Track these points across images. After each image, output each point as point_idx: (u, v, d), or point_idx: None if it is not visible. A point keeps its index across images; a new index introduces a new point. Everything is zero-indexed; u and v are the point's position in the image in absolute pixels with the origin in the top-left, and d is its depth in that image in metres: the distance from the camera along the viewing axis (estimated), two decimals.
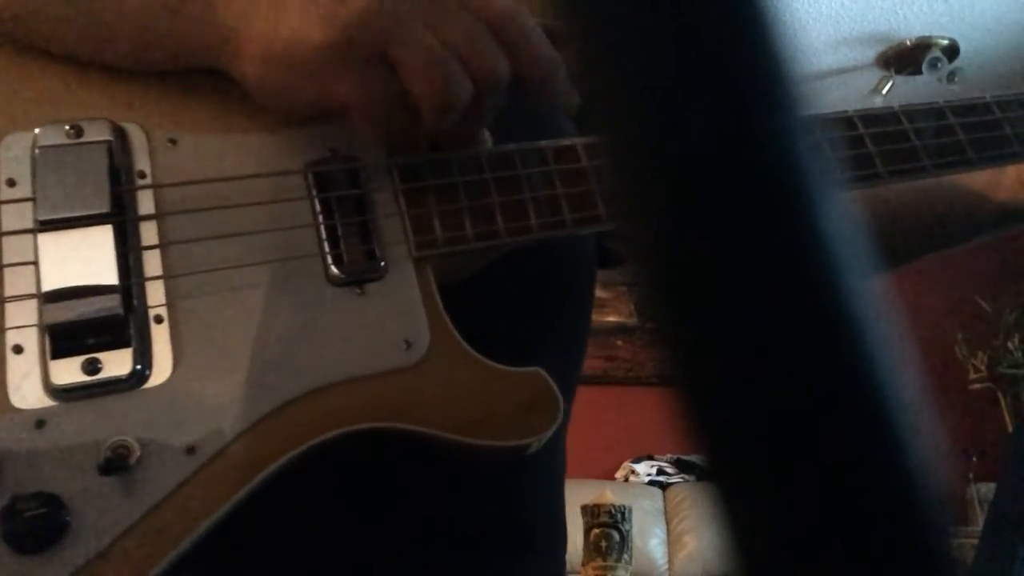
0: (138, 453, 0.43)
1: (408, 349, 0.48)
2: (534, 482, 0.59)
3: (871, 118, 0.60)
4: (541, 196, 0.53)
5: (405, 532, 0.52)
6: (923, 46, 3.32)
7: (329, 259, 0.49)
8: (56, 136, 0.48)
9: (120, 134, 0.49)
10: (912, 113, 0.61)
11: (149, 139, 0.50)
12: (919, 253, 0.76)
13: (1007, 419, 3.68)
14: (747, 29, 0.17)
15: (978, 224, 0.73)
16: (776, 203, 0.17)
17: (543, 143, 0.55)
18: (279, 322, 0.47)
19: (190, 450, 0.44)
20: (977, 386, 3.77)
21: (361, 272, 0.49)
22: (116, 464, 0.42)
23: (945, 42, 3.31)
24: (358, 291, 0.49)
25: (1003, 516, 2.14)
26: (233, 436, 0.45)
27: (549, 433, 0.48)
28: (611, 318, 4.13)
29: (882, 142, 0.59)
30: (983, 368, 3.77)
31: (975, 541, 2.22)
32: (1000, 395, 3.74)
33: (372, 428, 0.46)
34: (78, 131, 0.48)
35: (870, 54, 3.42)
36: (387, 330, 0.48)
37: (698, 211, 0.17)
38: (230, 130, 0.51)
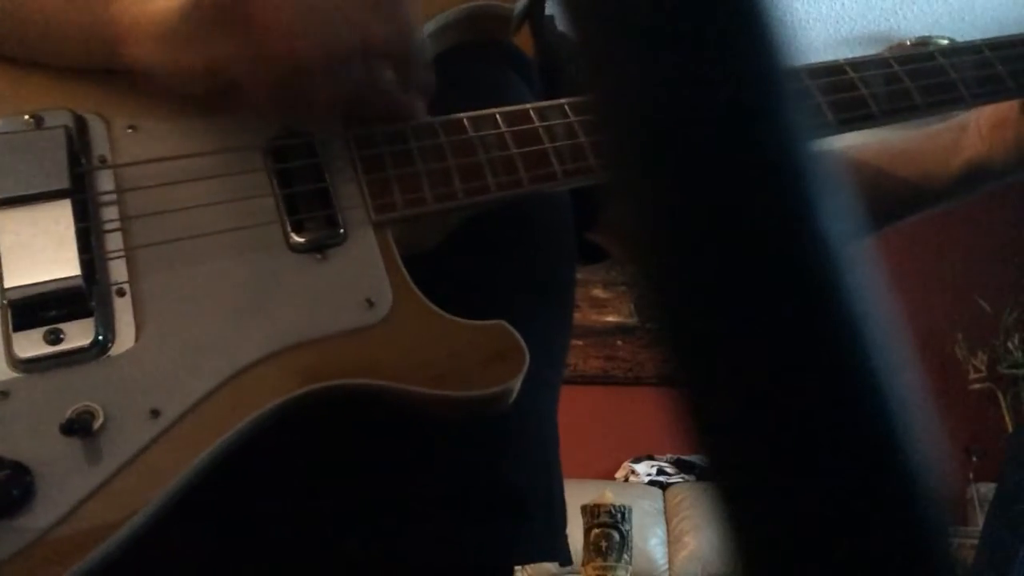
0: (102, 418, 0.44)
1: (370, 308, 0.49)
2: (525, 451, 0.59)
3: (817, 70, 0.61)
4: (496, 157, 0.53)
5: (390, 502, 0.52)
6: (923, 46, 3.32)
7: (288, 226, 0.49)
8: (17, 125, 0.49)
9: (80, 123, 0.50)
10: (858, 64, 0.62)
11: (109, 127, 0.51)
12: (891, 219, 0.76)
13: (1007, 419, 3.68)
14: (748, 31, 0.17)
15: (946, 185, 0.73)
16: (777, 205, 0.17)
17: (494, 109, 0.55)
18: (242, 289, 0.48)
19: (154, 413, 0.44)
20: (977, 386, 3.76)
21: (321, 238, 0.50)
22: (79, 426, 0.43)
23: (945, 42, 3.31)
24: (319, 256, 0.49)
25: (1003, 516, 2.13)
26: (198, 398, 0.45)
27: (517, 382, 0.48)
28: (611, 318, 4.12)
29: (829, 92, 0.60)
30: (983, 368, 3.76)
31: (975, 541, 2.22)
32: (1000, 395, 3.74)
33: (336, 385, 0.46)
34: (39, 120, 0.49)
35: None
36: (349, 291, 0.49)
37: (698, 210, 0.17)
38: (188, 115, 0.52)
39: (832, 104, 0.60)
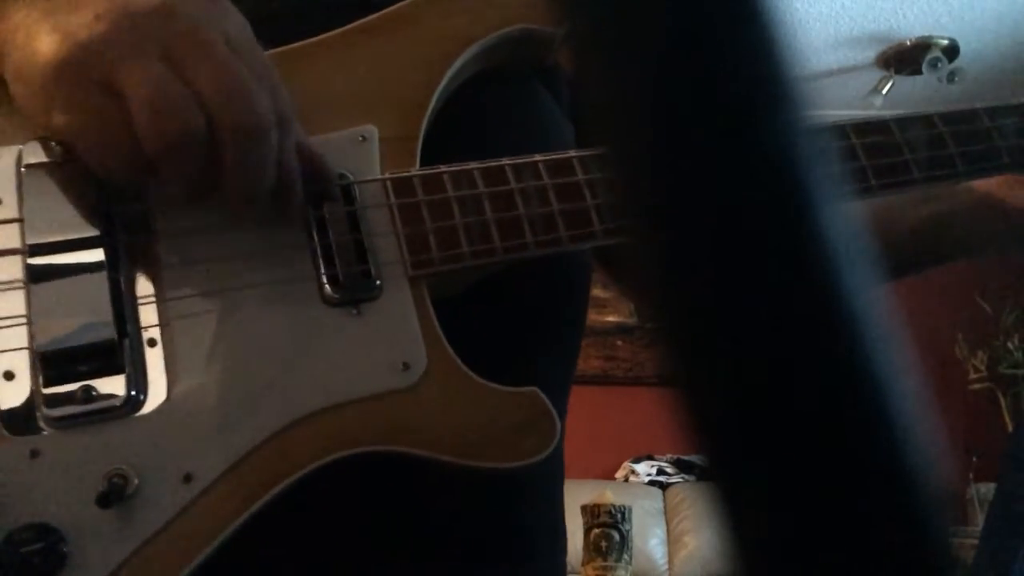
0: (135, 482, 0.43)
1: (405, 371, 0.48)
2: (534, 490, 0.59)
3: (863, 128, 0.60)
4: (536, 213, 0.52)
5: (404, 548, 0.52)
6: (923, 46, 3.32)
7: (324, 279, 0.48)
8: (42, 153, 0.46)
9: None
10: (904, 122, 0.61)
11: None
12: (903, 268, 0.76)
13: (1007, 419, 3.68)
14: (748, 30, 0.17)
15: (939, 256, 0.73)
16: (777, 204, 0.17)
17: (537, 157, 0.54)
18: (274, 344, 0.47)
19: (187, 478, 0.43)
20: (977, 386, 3.76)
21: (356, 292, 0.48)
22: (114, 495, 0.42)
23: (945, 42, 3.31)
24: (354, 311, 0.48)
25: (1003, 516, 2.13)
26: (231, 463, 0.44)
27: (546, 453, 0.47)
28: (611, 318, 4.12)
29: (874, 154, 0.59)
30: (983, 368, 3.76)
31: (975, 541, 2.22)
32: (1000, 395, 3.74)
33: (370, 451, 0.46)
34: (65, 148, 0.46)
35: (870, 54, 3.42)
36: (384, 351, 0.48)
37: (700, 213, 0.17)
38: None
39: (875, 168, 0.59)
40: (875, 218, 0.71)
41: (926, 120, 0.61)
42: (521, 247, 0.51)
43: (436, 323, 0.49)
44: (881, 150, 0.59)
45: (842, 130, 0.59)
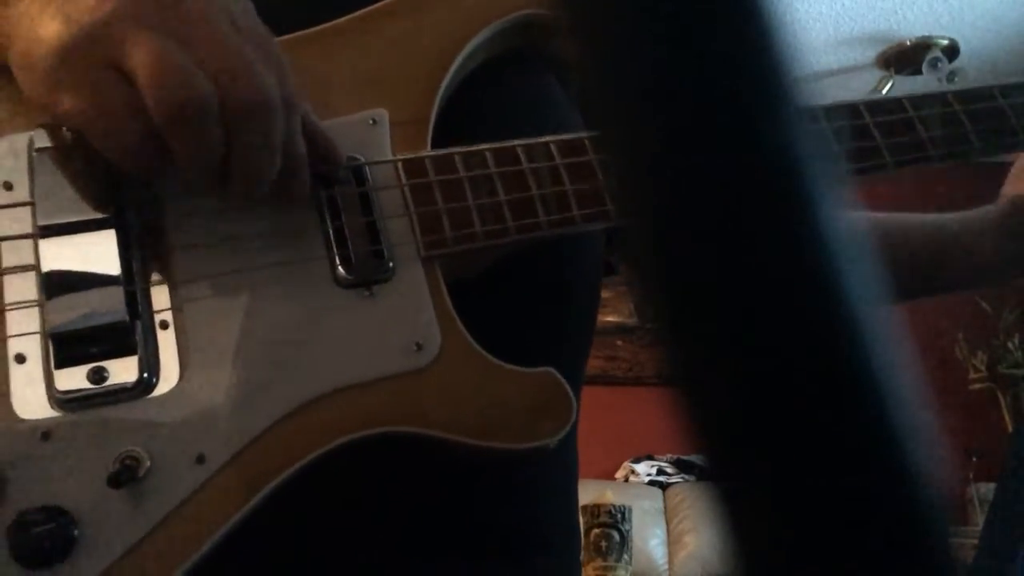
0: (147, 464, 0.42)
1: (419, 351, 0.47)
2: (549, 481, 0.59)
3: (876, 107, 0.60)
4: (549, 193, 0.52)
5: (418, 537, 0.52)
6: (923, 46, 3.31)
7: (336, 260, 0.48)
8: (52, 139, 0.46)
9: None
10: (917, 101, 0.61)
11: None
12: (915, 295, 0.76)
13: (1007, 419, 3.68)
14: (747, 28, 0.17)
15: (962, 279, 0.74)
16: (778, 203, 0.17)
17: (548, 137, 0.54)
18: (287, 325, 0.47)
19: (200, 459, 0.43)
20: (977, 386, 3.76)
21: (369, 273, 0.48)
22: (125, 476, 0.41)
23: (945, 42, 3.31)
24: (366, 292, 0.48)
25: (1003, 516, 2.13)
26: (244, 444, 0.44)
27: (563, 434, 0.47)
28: (611, 318, 4.12)
29: (889, 133, 0.59)
30: (983, 368, 3.76)
31: (975, 541, 2.22)
32: (1000, 395, 3.73)
33: (384, 432, 0.45)
34: (75, 132, 0.46)
35: (870, 54, 3.42)
36: (397, 332, 0.48)
37: (700, 212, 0.17)
38: None
39: (890, 146, 0.59)
40: (888, 234, 0.72)
41: (940, 98, 0.62)
42: (534, 227, 0.51)
43: (450, 304, 0.49)
44: (895, 128, 0.59)
45: (855, 108, 0.60)
